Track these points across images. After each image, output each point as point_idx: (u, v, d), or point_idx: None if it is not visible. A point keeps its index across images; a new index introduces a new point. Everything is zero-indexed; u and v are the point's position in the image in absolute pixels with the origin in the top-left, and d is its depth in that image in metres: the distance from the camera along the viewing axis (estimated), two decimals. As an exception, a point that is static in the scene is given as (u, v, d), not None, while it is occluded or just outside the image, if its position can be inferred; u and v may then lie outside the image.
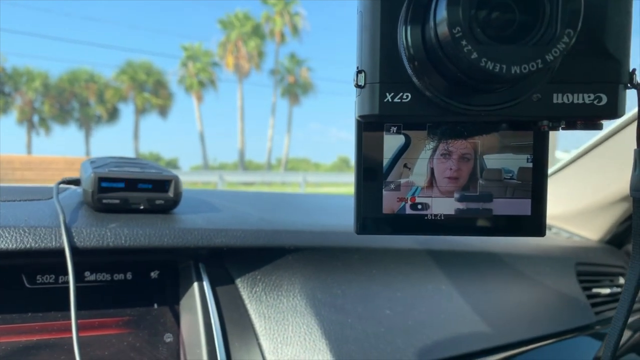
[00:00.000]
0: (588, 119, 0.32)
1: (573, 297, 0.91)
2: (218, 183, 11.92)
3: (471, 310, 0.75)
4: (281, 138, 31.15)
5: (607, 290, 1.00)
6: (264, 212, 0.74)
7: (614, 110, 0.31)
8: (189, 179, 11.29)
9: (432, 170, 0.37)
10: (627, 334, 0.95)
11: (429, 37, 0.29)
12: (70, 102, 27.11)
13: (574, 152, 1.14)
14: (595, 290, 0.98)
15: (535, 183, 0.37)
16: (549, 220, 1.25)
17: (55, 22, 50.02)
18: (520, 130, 0.37)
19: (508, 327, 0.77)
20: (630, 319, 0.98)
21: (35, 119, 26.69)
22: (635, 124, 0.97)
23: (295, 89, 28.77)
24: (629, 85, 0.32)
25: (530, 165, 0.37)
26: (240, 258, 0.65)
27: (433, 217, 0.37)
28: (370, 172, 0.37)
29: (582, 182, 1.14)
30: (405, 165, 0.37)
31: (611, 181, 1.07)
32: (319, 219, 0.79)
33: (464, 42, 0.26)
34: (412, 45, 0.30)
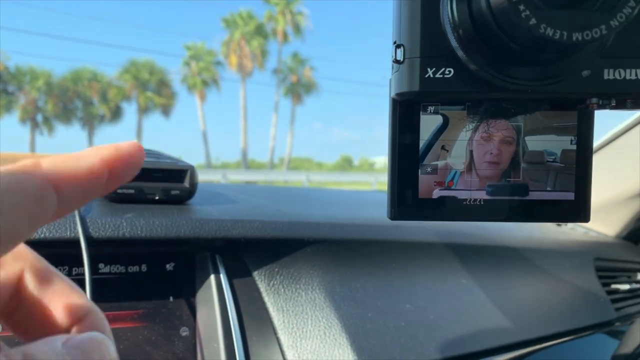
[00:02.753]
0: None
1: (593, 292, 0.89)
2: (221, 182, 11.92)
3: (492, 305, 0.73)
4: (284, 137, 31.17)
5: (626, 287, 0.99)
6: (280, 204, 0.72)
7: None
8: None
9: (471, 153, 0.35)
10: (647, 330, 0.93)
11: (477, 5, 0.27)
12: (74, 101, 27.17)
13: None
14: (614, 286, 0.96)
15: (579, 166, 0.35)
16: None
17: (59, 21, 50.17)
18: (565, 110, 0.35)
19: (527, 322, 0.76)
20: (651, 316, 0.96)
21: (39, 118, 26.76)
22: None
23: (297, 88, 28.78)
24: None
25: (574, 147, 0.35)
26: (257, 250, 0.63)
27: (471, 203, 0.35)
28: (406, 155, 0.34)
29: (598, 177, 1.12)
30: (443, 147, 0.35)
31: (628, 176, 1.05)
32: (335, 211, 0.77)
33: (521, 7, 0.24)
34: (458, 14, 0.28)
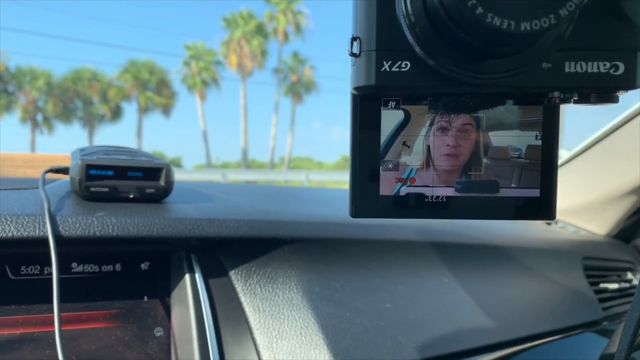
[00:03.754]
0: (603, 90, 0.29)
1: (580, 292, 0.88)
2: (221, 182, 11.91)
3: (475, 304, 0.72)
4: (284, 137, 31.16)
5: (614, 286, 0.98)
6: (258, 202, 0.71)
7: (631, 80, 0.28)
8: (192, 178, 11.29)
9: (428, 148, 0.34)
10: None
11: (430, 1, 0.26)
12: (74, 100, 27.19)
13: (581, 145, 1.11)
14: (602, 285, 0.95)
15: (544, 162, 0.34)
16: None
17: (59, 21, 50.16)
18: (528, 105, 0.34)
19: (513, 322, 0.75)
20: None
21: (39, 117, 26.77)
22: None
23: (298, 88, 28.76)
24: None
25: (539, 142, 0.34)
26: (234, 249, 0.62)
27: (433, 199, 0.34)
28: (367, 151, 0.33)
29: (589, 175, 1.11)
30: (404, 144, 0.34)
31: (618, 174, 1.04)
32: (316, 209, 0.76)
33: None
34: (413, 10, 0.27)
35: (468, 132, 0.34)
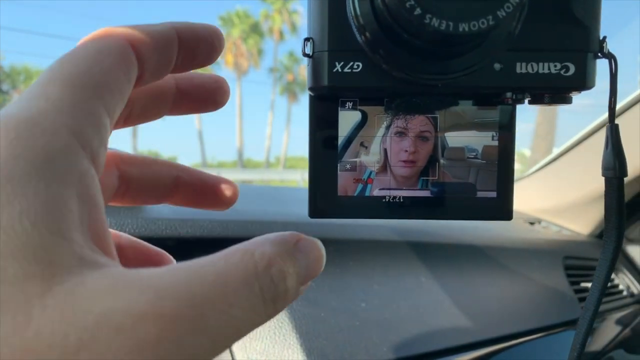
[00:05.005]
0: (554, 91, 0.30)
1: (560, 291, 0.88)
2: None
3: (452, 304, 0.73)
4: (280, 136, 31.19)
5: (595, 285, 0.98)
6: (238, 203, 0.71)
7: (582, 80, 0.29)
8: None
9: (385, 152, 0.34)
10: (616, 329, 0.93)
11: (377, 2, 0.26)
12: (69, 100, 27.01)
13: (564, 145, 1.12)
14: (583, 284, 0.96)
15: (501, 162, 0.34)
16: (538, 214, 1.23)
17: (54, 19, 50.01)
18: (483, 105, 0.34)
19: (491, 321, 0.75)
20: (618, 315, 0.96)
21: (34, 117, 26.61)
22: (624, 115, 0.95)
23: (294, 87, 28.77)
24: (599, 54, 0.29)
25: (496, 143, 0.34)
26: (209, 250, 0.62)
27: (391, 200, 0.34)
28: (325, 151, 0.34)
29: (572, 175, 1.12)
30: (362, 144, 0.34)
31: (600, 174, 1.04)
32: (294, 210, 0.77)
33: None
34: (361, 12, 0.27)
35: (427, 137, 0.34)
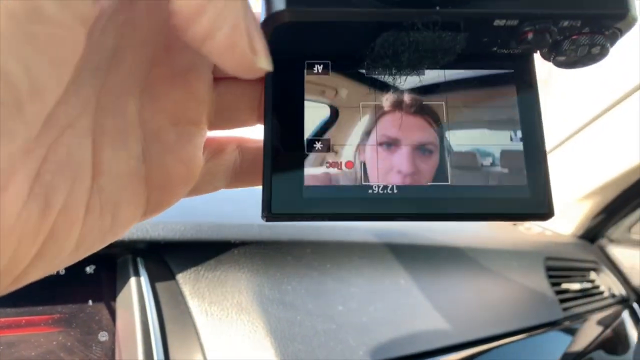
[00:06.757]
0: (590, 22, 0.22)
1: (540, 292, 0.88)
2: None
3: (431, 306, 0.72)
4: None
5: (577, 286, 0.98)
6: (210, 204, 0.70)
7: (624, 9, 0.21)
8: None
9: (363, 166, 0.25)
10: (596, 330, 0.93)
11: None
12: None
13: (547, 146, 1.12)
14: (564, 285, 0.96)
15: (527, 141, 0.26)
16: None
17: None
18: (497, 87, 0.25)
19: (471, 324, 0.75)
20: (600, 316, 0.96)
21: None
22: (612, 113, 0.94)
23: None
24: None
25: (516, 146, 0.26)
26: (181, 252, 0.61)
27: (380, 191, 0.24)
28: (286, 125, 0.25)
29: (555, 175, 1.12)
30: (330, 148, 0.25)
31: (584, 174, 1.05)
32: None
33: None
34: None
35: (431, 150, 0.25)
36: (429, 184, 0.25)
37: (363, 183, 0.25)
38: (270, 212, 0.25)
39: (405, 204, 0.24)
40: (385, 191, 0.24)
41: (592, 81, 0.94)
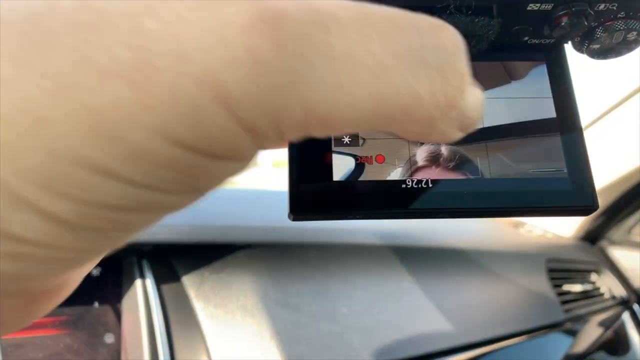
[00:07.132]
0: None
1: (542, 294, 0.89)
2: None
3: (435, 308, 0.72)
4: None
5: (578, 287, 0.99)
6: (216, 206, 0.70)
7: None
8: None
9: (395, 159, 0.24)
10: (597, 331, 0.93)
11: None
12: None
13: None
14: (566, 287, 0.96)
15: (567, 147, 0.24)
16: (524, 218, 1.23)
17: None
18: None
19: (474, 325, 0.75)
20: (601, 317, 0.96)
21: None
22: (613, 115, 0.94)
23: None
24: None
25: (554, 140, 0.24)
26: (186, 255, 0.61)
27: (414, 185, 0.23)
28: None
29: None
30: (361, 143, 0.24)
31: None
32: (276, 213, 0.76)
33: None
34: None
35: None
36: (464, 177, 0.23)
37: (396, 178, 0.23)
38: (298, 211, 0.22)
39: (440, 199, 0.23)
40: (419, 185, 0.23)
41: (591, 84, 0.95)
